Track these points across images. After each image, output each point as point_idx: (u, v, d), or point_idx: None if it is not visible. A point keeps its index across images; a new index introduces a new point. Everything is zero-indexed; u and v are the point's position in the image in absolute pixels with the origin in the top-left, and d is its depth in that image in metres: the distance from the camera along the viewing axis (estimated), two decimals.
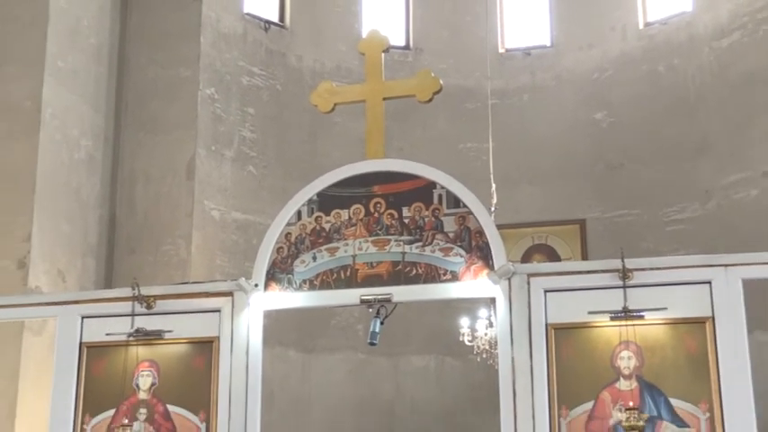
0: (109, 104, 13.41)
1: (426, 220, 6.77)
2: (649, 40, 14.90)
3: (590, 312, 6.30)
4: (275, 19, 15.20)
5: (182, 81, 13.80)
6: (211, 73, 14.05)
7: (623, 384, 6.18)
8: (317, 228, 6.92)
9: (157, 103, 13.71)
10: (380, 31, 7.40)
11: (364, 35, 7.64)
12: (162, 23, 13.93)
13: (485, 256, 6.61)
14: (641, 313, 6.22)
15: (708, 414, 6.02)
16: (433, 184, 6.82)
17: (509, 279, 6.46)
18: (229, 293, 6.86)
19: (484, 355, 12.06)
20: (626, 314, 6.23)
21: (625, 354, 6.23)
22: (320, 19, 15.45)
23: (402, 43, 15.59)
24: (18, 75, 11.73)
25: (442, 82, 7.13)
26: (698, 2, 14.48)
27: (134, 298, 6.90)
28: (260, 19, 14.98)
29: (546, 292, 6.39)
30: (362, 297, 6.75)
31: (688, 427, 6.04)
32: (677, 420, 6.06)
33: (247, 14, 14.82)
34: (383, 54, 7.25)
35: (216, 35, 14.26)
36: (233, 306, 6.82)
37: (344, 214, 6.90)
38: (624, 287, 6.25)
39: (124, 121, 13.66)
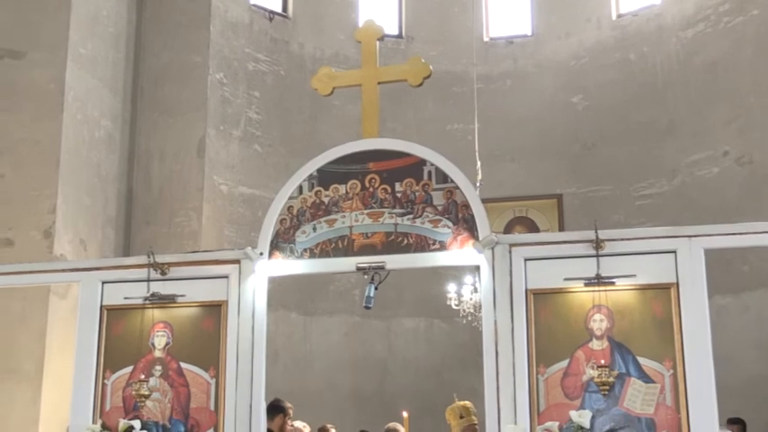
0: (126, 88, 13.39)
1: (417, 194, 6.76)
2: (622, 30, 14.89)
3: (566, 279, 6.29)
4: (279, 9, 15.17)
5: (193, 66, 13.78)
6: (220, 59, 14.02)
7: (595, 344, 6.18)
8: (317, 201, 6.91)
9: (171, 86, 13.69)
10: (375, 21, 7.37)
11: (361, 25, 7.59)
12: (175, 13, 13.90)
13: (470, 228, 6.61)
14: (612, 280, 6.21)
15: (671, 371, 6.03)
16: (423, 162, 6.80)
17: (492, 248, 6.45)
18: (237, 261, 6.85)
19: (469, 318, 12.09)
20: (598, 281, 6.21)
21: (597, 316, 6.22)
22: (320, 10, 15.42)
23: (395, 32, 15.55)
24: (43, 60, 11.70)
25: (431, 68, 7.10)
26: None
27: (149, 265, 6.88)
28: (265, 9, 14.94)
29: (526, 260, 6.38)
30: (358, 265, 6.74)
31: (653, 382, 6.04)
32: (644, 377, 6.07)
33: (253, 5, 14.79)
34: (378, 42, 7.22)
35: (224, 24, 14.22)
36: (240, 273, 6.80)
37: (342, 189, 6.88)
38: (597, 256, 6.24)
39: (140, 103, 13.64)
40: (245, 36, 14.52)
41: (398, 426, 9.45)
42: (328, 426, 10.26)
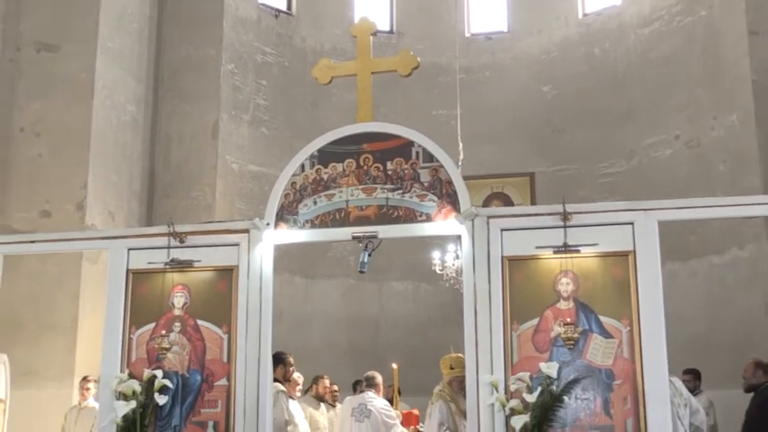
0: (149, 77, 13.34)
1: (406, 172, 6.74)
2: (587, 27, 14.86)
3: (537, 247, 6.28)
4: (284, 8, 15.11)
5: (207, 58, 13.73)
6: (231, 52, 13.97)
7: (562, 304, 6.18)
8: (317, 178, 6.88)
9: (188, 76, 13.63)
10: (369, 18, 7.32)
11: (356, 21, 7.56)
12: (192, 11, 13.83)
13: (453, 202, 6.60)
14: (577, 248, 6.20)
15: (628, 328, 6.05)
16: (411, 143, 6.78)
17: (472, 220, 6.44)
18: (246, 231, 6.82)
19: (451, 282, 12.08)
20: (565, 249, 6.20)
21: (564, 280, 6.21)
22: (321, 8, 15.35)
23: (387, 28, 15.50)
24: (75, 53, 11.66)
25: (419, 60, 7.07)
26: None
27: (169, 234, 6.85)
28: (271, 8, 14.88)
29: (502, 230, 6.36)
30: (354, 234, 6.73)
31: (612, 338, 6.06)
32: (604, 333, 6.08)
33: (261, 4, 14.72)
34: (371, 37, 7.17)
35: (235, 21, 14.16)
36: (249, 241, 6.78)
37: (339, 167, 6.86)
38: (564, 227, 6.24)
39: (161, 91, 13.59)
40: (253, 31, 14.46)
41: (375, 373, 9.53)
42: (323, 377, 10.30)
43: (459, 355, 8.25)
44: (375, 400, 9.25)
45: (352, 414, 9.12)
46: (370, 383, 9.42)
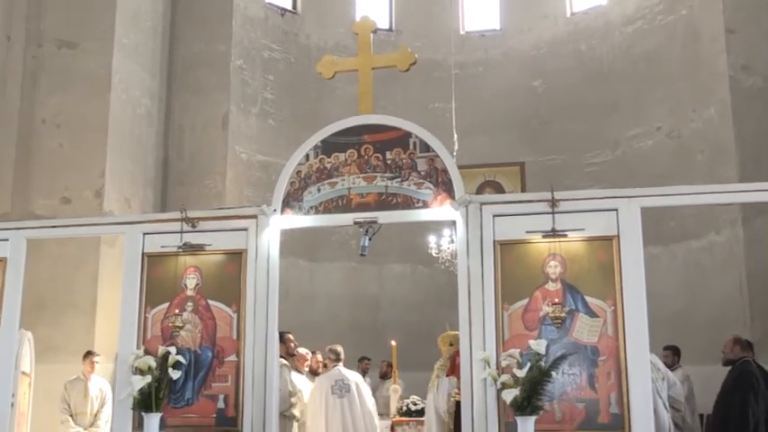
0: (162, 72, 13.30)
1: (404, 161, 6.75)
2: (574, 25, 14.82)
3: (527, 232, 6.31)
4: (289, 7, 15.08)
5: (218, 54, 13.70)
6: (240, 48, 13.94)
7: (551, 286, 6.21)
8: (321, 167, 6.90)
9: (199, 71, 13.60)
10: (370, 17, 7.33)
11: (357, 20, 7.56)
12: (203, 9, 13.79)
13: (448, 189, 6.61)
14: (565, 232, 6.23)
15: (612, 307, 6.08)
16: (409, 134, 6.79)
17: (466, 207, 6.46)
18: (254, 216, 6.84)
19: (446, 264, 12.11)
20: (554, 233, 6.23)
21: (552, 263, 6.24)
22: (324, 7, 15.30)
23: (387, 26, 15.45)
24: (93, 50, 11.64)
25: (416, 56, 7.08)
26: None
27: (182, 219, 6.87)
28: (278, 7, 14.84)
29: (494, 216, 6.39)
30: (355, 219, 6.75)
31: (597, 317, 6.09)
32: (590, 312, 6.11)
33: (268, 3, 14.68)
34: (372, 34, 7.18)
35: (244, 19, 14.12)
36: (257, 226, 6.80)
37: (342, 156, 6.87)
38: (553, 213, 6.26)
39: (174, 85, 13.55)
40: (261, 29, 14.42)
41: (340, 347, 9.03)
42: (315, 352, 9.98)
43: (457, 332, 8.27)
44: (350, 374, 9.03)
45: (333, 392, 8.71)
46: (339, 357, 8.98)
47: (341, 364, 8.97)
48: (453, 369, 7.88)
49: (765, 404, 8.07)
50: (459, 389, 7.93)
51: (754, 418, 8.07)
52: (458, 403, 7.72)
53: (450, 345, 8.17)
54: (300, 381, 8.74)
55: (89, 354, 9.45)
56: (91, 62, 11.59)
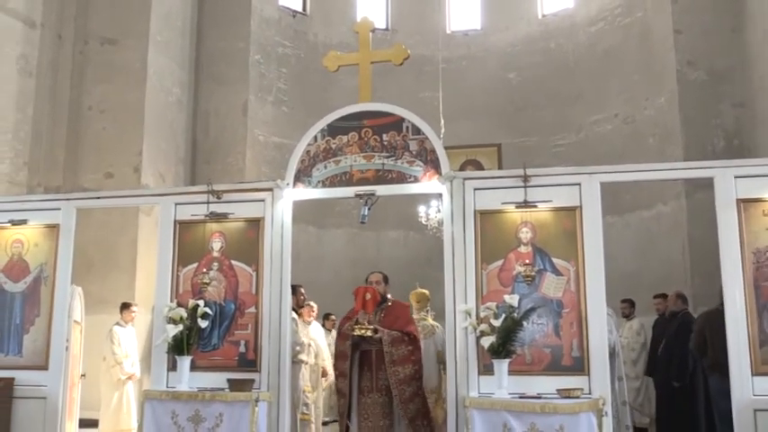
0: (191, 65, 13.24)
1: (398, 142, 6.75)
2: (545, 26, 14.73)
3: (502, 203, 6.31)
4: (300, 9, 14.95)
5: (238, 50, 13.63)
6: (258, 45, 13.86)
7: (523, 249, 6.23)
8: (327, 147, 6.89)
9: (222, 64, 13.54)
10: (369, 18, 7.30)
11: (358, 20, 7.52)
12: (225, 11, 13.71)
13: (436, 167, 6.62)
14: (535, 203, 6.23)
15: (575, 267, 6.10)
16: (402, 119, 6.78)
17: (451, 181, 6.47)
18: (270, 189, 6.85)
19: (434, 230, 12.13)
20: (525, 204, 6.24)
21: (524, 229, 6.25)
22: (330, 9, 15.18)
23: (384, 26, 15.34)
24: (131, 46, 11.61)
25: (409, 52, 7.05)
26: (577, 1, 14.33)
27: (209, 192, 6.88)
28: (290, 9, 14.72)
29: (475, 189, 6.39)
30: (357, 192, 6.76)
31: (562, 275, 6.11)
32: (556, 271, 6.13)
33: (281, 6, 14.57)
34: (371, 33, 7.16)
35: (261, 20, 14.03)
36: (273, 197, 6.80)
37: (345, 138, 6.87)
38: (525, 187, 6.26)
39: (201, 76, 13.50)
40: (275, 28, 14.32)
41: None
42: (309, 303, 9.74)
43: (425, 291, 8.32)
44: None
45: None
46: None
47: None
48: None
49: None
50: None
51: (693, 359, 8.19)
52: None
53: (418, 302, 8.23)
54: (315, 330, 8.81)
55: (128, 305, 9.48)
56: (129, 56, 11.56)
